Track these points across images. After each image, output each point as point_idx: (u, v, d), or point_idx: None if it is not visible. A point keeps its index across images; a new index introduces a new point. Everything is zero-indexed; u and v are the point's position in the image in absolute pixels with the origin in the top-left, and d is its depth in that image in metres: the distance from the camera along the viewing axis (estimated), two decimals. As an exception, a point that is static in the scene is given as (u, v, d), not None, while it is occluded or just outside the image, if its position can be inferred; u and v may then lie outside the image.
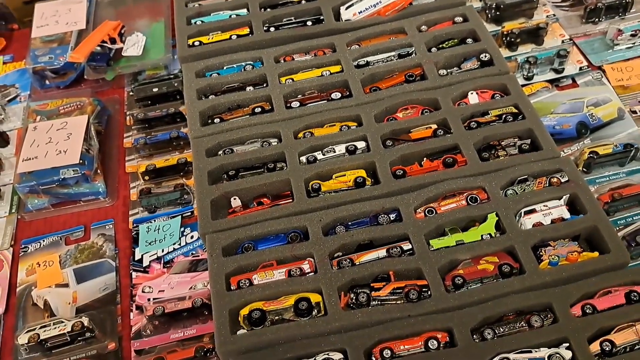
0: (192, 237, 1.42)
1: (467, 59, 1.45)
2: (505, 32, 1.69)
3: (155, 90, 1.65)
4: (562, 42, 1.72)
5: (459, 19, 1.52)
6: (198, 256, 1.39)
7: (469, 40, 1.48)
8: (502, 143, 1.30)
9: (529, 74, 1.64)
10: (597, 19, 1.76)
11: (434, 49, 1.47)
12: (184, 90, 1.44)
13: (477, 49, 1.45)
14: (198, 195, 1.25)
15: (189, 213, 1.46)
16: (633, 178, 1.42)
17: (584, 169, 1.43)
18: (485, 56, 1.42)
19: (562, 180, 1.21)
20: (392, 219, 1.19)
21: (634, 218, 1.35)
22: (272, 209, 1.23)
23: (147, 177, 1.51)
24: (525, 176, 1.23)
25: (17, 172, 1.46)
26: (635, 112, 1.56)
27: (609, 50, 1.70)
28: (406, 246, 1.15)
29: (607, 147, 1.44)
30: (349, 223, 1.20)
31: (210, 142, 1.33)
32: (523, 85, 1.61)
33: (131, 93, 1.71)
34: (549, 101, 1.61)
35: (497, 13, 1.74)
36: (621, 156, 1.43)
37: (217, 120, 1.38)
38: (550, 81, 1.64)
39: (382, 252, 1.14)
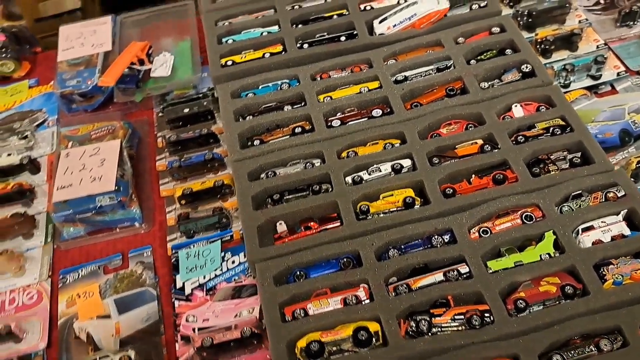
0: (233, 262, 1.39)
1: (507, 71, 1.42)
2: (539, 40, 1.66)
3: (186, 110, 1.62)
4: (597, 47, 1.69)
5: (495, 29, 1.49)
6: (241, 282, 1.36)
7: (508, 51, 1.45)
8: (552, 157, 1.26)
9: (566, 82, 1.61)
10: (632, 22, 1.73)
11: (472, 61, 1.44)
12: (221, 112, 1.42)
13: (517, 59, 1.42)
14: (244, 221, 1.22)
15: (228, 237, 1.43)
16: (684, 187, 1.39)
17: (632, 179, 1.40)
18: (527, 67, 1.39)
19: (619, 195, 1.18)
20: (445, 240, 1.16)
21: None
22: (321, 234, 1.20)
23: (183, 202, 1.48)
24: (580, 191, 1.19)
25: (52, 201, 1.44)
26: (679, 118, 1.53)
27: (646, 54, 1.67)
28: (463, 269, 1.11)
29: (657, 156, 1.41)
30: (402, 246, 1.17)
31: (252, 165, 1.30)
32: (561, 94, 1.59)
33: (160, 114, 1.68)
34: (588, 109, 1.57)
35: (530, 20, 1.71)
36: (671, 165, 1.40)
37: (256, 142, 1.35)
38: (588, 88, 1.61)
39: (439, 276, 1.11)
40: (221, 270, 1.39)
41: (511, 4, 1.79)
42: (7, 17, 2.21)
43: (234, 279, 1.37)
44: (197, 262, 1.41)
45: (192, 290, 1.37)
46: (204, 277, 1.38)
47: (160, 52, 1.72)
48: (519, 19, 1.73)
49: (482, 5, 1.55)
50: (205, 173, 1.54)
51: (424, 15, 1.49)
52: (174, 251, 1.43)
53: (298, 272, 1.15)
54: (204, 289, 1.36)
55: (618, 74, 1.63)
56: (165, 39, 1.82)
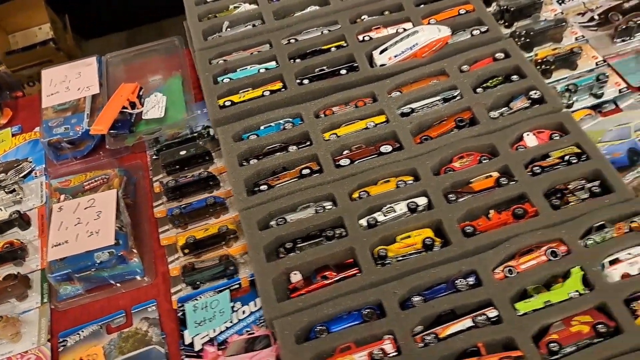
0: (243, 312, 1.32)
1: (515, 98, 1.39)
2: (539, 60, 1.64)
3: (182, 153, 1.55)
4: (596, 64, 1.67)
5: (499, 54, 1.46)
6: (253, 333, 1.29)
7: (514, 77, 1.42)
8: (570, 187, 1.23)
9: (569, 102, 1.59)
10: (629, 38, 1.72)
11: (479, 90, 1.41)
12: (224, 157, 1.35)
13: (524, 86, 1.39)
14: (258, 276, 1.16)
15: (237, 285, 1.36)
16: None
17: (646, 200, 1.38)
18: (536, 93, 1.36)
19: (643, 224, 1.15)
20: (470, 283, 1.11)
21: None
22: (339, 284, 1.14)
23: (187, 250, 1.41)
24: (602, 222, 1.16)
25: (48, 259, 1.35)
26: (684, 133, 1.51)
27: (645, 69, 1.66)
28: (491, 313, 1.07)
29: (669, 175, 1.39)
30: (426, 292, 1.12)
31: (261, 213, 1.24)
32: (566, 115, 1.57)
33: (155, 157, 1.61)
34: (594, 129, 1.55)
35: (527, 40, 1.69)
36: (683, 184, 1.38)
37: (263, 187, 1.29)
38: (592, 107, 1.59)
39: (467, 322, 1.06)
40: (231, 322, 1.32)
41: (506, 24, 1.78)
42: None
43: (246, 331, 1.30)
44: (206, 315, 1.33)
45: (202, 345, 1.29)
46: (214, 331, 1.31)
47: (151, 92, 1.65)
48: (516, 39, 1.71)
49: (483, 30, 1.52)
50: (207, 218, 1.47)
51: (425, 44, 1.46)
52: (180, 304, 1.36)
53: (319, 328, 1.09)
54: (215, 344, 1.29)
55: (620, 91, 1.61)
56: (153, 76, 1.76)
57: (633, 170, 1.45)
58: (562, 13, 1.82)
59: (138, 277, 1.41)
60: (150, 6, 3.71)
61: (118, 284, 1.40)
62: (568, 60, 1.65)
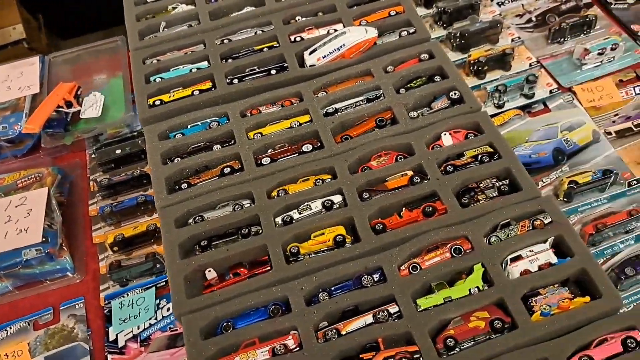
0: (168, 309, 1.34)
1: (437, 98, 1.41)
2: (472, 61, 1.66)
3: (118, 152, 1.57)
4: (530, 65, 1.71)
5: (424, 55, 1.49)
6: (176, 330, 1.31)
7: (437, 78, 1.44)
8: (481, 185, 1.26)
9: (499, 102, 1.62)
10: (562, 39, 1.75)
11: (402, 90, 1.43)
12: (148, 155, 1.37)
13: (445, 86, 1.41)
14: (170, 272, 1.18)
15: (164, 283, 1.38)
16: (615, 204, 1.40)
17: (565, 199, 1.41)
18: (455, 94, 1.39)
19: (546, 222, 1.17)
20: (375, 279, 1.14)
21: (620, 246, 1.33)
22: (250, 280, 1.16)
23: (116, 248, 1.43)
24: (508, 220, 1.19)
25: (-25, 256, 1.37)
26: (610, 133, 1.54)
27: (577, 70, 1.69)
28: (393, 309, 1.09)
29: (586, 175, 1.42)
30: (332, 288, 1.14)
31: (179, 211, 1.26)
32: (495, 115, 1.59)
33: (93, 155, 1.63)
34: (522, 129, 1.58)
35: (462, 41, 1.72)
36: (601, 183, 1.41)
37: (184, 185, 1.31)
38: (522, 107, 1.62)
39: (368, 318, 1.09)
40: (155, 318, 1.34)
41: (445, 25, 1.80)
42: None
43: (169, 327, 1.32)
44: (131, 312, 1.36)
45: (125, 342, 1.31)
46: (138, 328, 1.33)
47: (90, 92, 1.67)
48: (451, 40, 1.74)
49: (411, 32, 1.55)
50: (139, 216, 1.49)
51: (353, 45, 1.48)
52: (107, 301, 1.38)
53: (225, 324, 1.11)
54: (138, 340, 1.31)
55: (551, 92, 1.64)
56: (97, 75, 1.78)
57: (557, 169, 1.49)
58: (500, 15, 1.85)
59: (69, 274, 1.43)
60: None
61: (48, 281, 1.42)
62: (501, 61, 1.68)
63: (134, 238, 1.43)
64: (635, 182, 1.42)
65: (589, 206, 1.41)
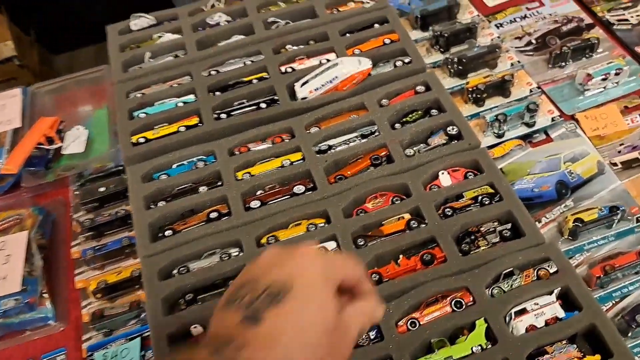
0: (154, 360, 1.28)
1: (434, 133, 1.35)
2: (470, 89, 1.60)
3: (102, 190, 1.50)
4: (530, 91, 1.64)
5: (420, 87, 1.42)
6: (163, 383, 1.25)
7: (434, 111, 1.38)
8: (482, 229, 1.19)
9: (499, 132, 1.55)
10: (563, 63, 1.69)
11: (397, 125, 1.36)
12: (130, 199, 1.30)
13: (442, 121, 1.35)
14: (152, 330, 1.11)
15: (149, 333, 1.31)
16: (622, 242, 1.33)
17: (570, 237, 1.34)
18: (453, 129, 1.32)
19: (551, 272, 1.11)
20: (372, 337, 1.07)
21: (630, 288, 1.26)
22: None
23: (99, 295, 1.36)
24: (511, 269, 1.12)
25: (-49, 307, 1.30)
26: (615, 164, 1.48)
27: (579, 96, 1.62)
28: (391, 370, 1.03)
29: (592, 212, 1.35)
30: (326, 347, 1.07)
31: (163, 261, 1.20)
32: (494, 145, 1.52)
33: (76, 192, 1.56)
34: (523, 161, 1.51)
35: (460, 67, 1.65)
36: (608, 220, 1.35)
37: (168, 232, 1.24)
38: (523, 137, 1.56)
39: (364, 381, 1.02)
40: (141, 371, 1.28)
41: (442, 50, 1.74)
42: None
43: (155, 381, 1.26)
44: (115, 364, 1.29)
45: (109, 398, 1.25)
46: (123, 381, 1.26)
47: (73, 126, 1.60)
48: (449, 66, 1.68)
49: (406, 61, 1.48)
50: (124, 259, 1.42)
51: (346, 78, 1.41)
52: (89, 353, 1.31)
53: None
54: (123, 395, 1.25)
55: (552, 119, 1.58)
56: (81, 107, 1.71)
57: (560, 204, 1.42)
58: (498, 37, 1.78)
59: (51, 322, 1.36)
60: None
61: (28, 331, 1.35)
62: (500, 87, 1.62)
63: (117, 285, 1.36)
64: (643, 218, 1.35)
65: (596, 244, 1.34)
